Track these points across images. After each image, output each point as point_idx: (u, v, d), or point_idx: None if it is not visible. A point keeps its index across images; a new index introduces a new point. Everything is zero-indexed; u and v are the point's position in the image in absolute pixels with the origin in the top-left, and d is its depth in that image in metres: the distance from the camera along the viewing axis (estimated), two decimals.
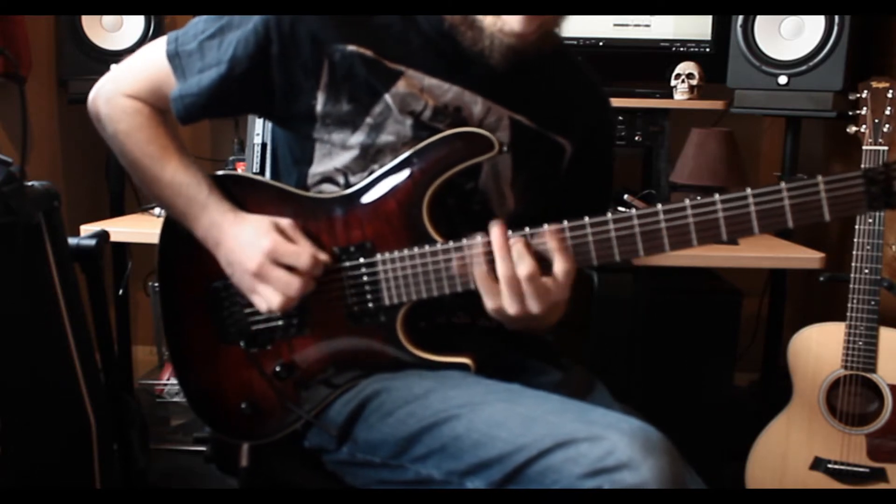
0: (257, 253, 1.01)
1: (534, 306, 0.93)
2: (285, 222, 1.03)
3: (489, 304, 0.96)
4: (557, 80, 1.14)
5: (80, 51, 2.14)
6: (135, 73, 1.11)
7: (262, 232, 1.01)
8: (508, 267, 0.93)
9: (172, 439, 2.29)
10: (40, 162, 2.31)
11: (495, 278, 0.94)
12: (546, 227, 0.93)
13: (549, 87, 1.12)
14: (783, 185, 0.86)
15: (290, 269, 1.00)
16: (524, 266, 0.92)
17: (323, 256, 1.02)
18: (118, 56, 2.13)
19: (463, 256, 0.97)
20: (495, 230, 0.94)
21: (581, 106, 1.16)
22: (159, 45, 1.09)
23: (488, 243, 0.95)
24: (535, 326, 1.00)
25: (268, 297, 1.01)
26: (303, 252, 1.00)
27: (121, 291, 2.28)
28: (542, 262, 0.93)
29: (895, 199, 0.83)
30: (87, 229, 1.76)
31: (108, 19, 2.16)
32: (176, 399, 2.32)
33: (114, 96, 1.10)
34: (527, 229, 0.94)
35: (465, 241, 0.97)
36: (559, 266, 0.93)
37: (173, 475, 2.15)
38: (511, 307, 0.94)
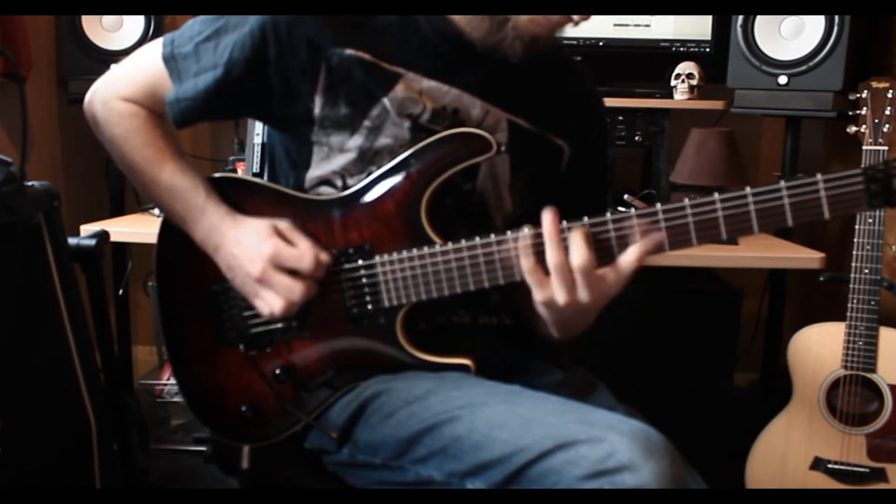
0: (259, 258, 1.00)
1: (584, 295, 0.91)
2: (284, 224, 1.02)
3: (539, 295, 0.92)
4: (555, 83, 1.14)
5: (80, 51, 2.14)
6: (130, 75, 1.10)
7: (263, 236, 1.01)
8: (560, 255, 0.90)
9: (172, 439, 2.29)
10: (40, 162, 2.31)
11: (545, 270, 0.92)
12: (609, 215, 0.91)
13: (547, 89, 1.12)
14: (782, 183, 0.85)
15: (292, 273, 1.00)
16: (579, 256, 0.90)
17: (325, 257, 1.01)
18: (118, 56, 2.13)
19: (508, 249, 0.95)
20: (547, 217, 0.91)
21: (577, 108, 1.16)
22: (155, 48, 1.08)
23: (536, 235, 0.92)
24: (579, 324, 0.98)
25: (271, 302, 1.01)
26: (305, 255, 1.00)
27: (121, 291, 2.28)
28: (600, 253, 0.91)
29: (895, 197, 0.83)
30: (87, 229, 1.76)
31: (108, 19, 2.16)
32: (176, 399, 2.32)
33: (110, 100, 1.09)
34: (586, 219, 0.92)
35: (509, 234, 0.94)
36: (630, 254, 0.90)
37: (173, 475, 2.15)
38: (561, 297, 0.91)
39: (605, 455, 0.84)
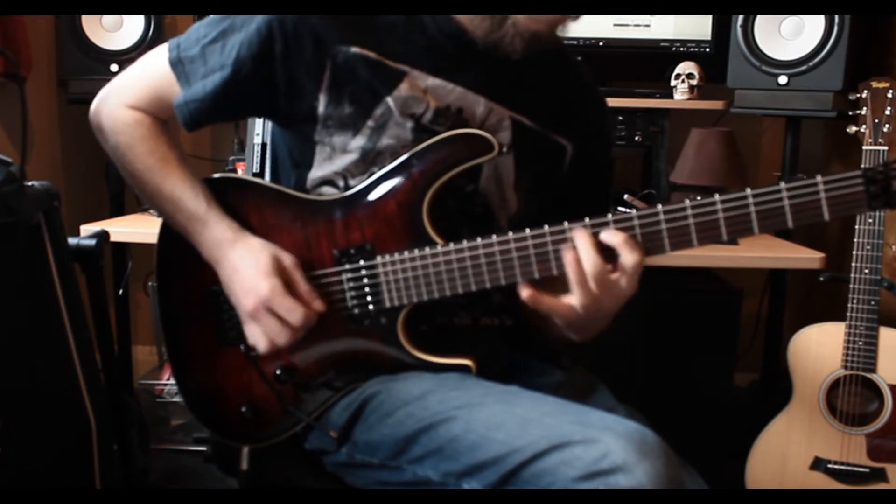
0: (254, 295, 1.00)
1: (598, 294, 0.91)
2: (289, 261, 1.02)
3: (573, 299, 0.92)
4: (558, 82, 1.14)
5: (80, 51, 2.14)
6: (136, 83, 1.10)
7: (262, 273, 1.00)
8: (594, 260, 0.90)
9: (172, 439, 2.29)
10: (40, 162, 2.31)
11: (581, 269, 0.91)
12: (609, 216, 0.91)
13: (550, 87, 1.12)
14: (783, 185, 0.86)
15: (282, 319, 1.00)
16: (589, 261, 0.90)
17: (318, 306, 1.01)
18: (118, 56, 2.14)
19: (527, 247, 0.94)
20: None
21: (581, 109, 1.16)
22: (160, 54, 1.08)
23: (536, 236, 0.93)
24: (598, 326, 0.99)
25: (256, 338, 1.03)
26: (297, 310, 1.00)
27: (121, 291, 2.28)
28: (604, 254, 0.91)
29: (895, 199, 0.83)
30: (87, 229, 1.76)
31: (108, 19, 2.16)
32: (176, 399, 2.32)
33: (115, 108, 1.09)
34: (587, 220, 0.92)
35: (511, 235, 0.94)
36: (628, 258, 0.90)
37: (173, 475, 2.16)
38: (581, 300, 0.91)
39: (599, 456, 0.84)
